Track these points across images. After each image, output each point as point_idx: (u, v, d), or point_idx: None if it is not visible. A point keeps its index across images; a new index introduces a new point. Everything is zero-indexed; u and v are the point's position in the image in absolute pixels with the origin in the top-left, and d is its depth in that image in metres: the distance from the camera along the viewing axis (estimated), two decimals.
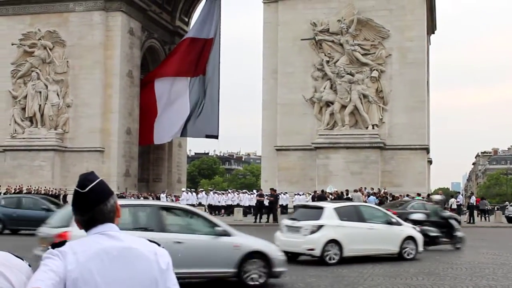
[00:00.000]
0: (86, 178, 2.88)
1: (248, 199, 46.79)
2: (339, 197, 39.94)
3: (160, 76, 55.42)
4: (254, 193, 46.31)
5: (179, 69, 54.45)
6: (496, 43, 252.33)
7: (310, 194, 42.67)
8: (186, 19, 68.14)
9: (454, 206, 43.80)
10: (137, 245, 2.81)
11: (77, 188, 2.85)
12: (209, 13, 55.48)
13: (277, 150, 49.80)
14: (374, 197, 39.97)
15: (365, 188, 43.66)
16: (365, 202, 37.15)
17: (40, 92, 53.80)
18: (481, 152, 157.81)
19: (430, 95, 60.23)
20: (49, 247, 2.78)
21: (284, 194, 44.77)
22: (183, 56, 54.54)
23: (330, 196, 40.56)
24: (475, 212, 46.26)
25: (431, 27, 60.13)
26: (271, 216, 38.14)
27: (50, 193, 48.89)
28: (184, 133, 56.62)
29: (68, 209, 13.29)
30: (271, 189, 40.30)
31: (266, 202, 40.21)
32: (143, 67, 59.68)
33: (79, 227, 2.91)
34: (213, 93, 55.70)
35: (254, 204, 42.79)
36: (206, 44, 54.85)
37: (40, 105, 53.81)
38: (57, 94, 53.68)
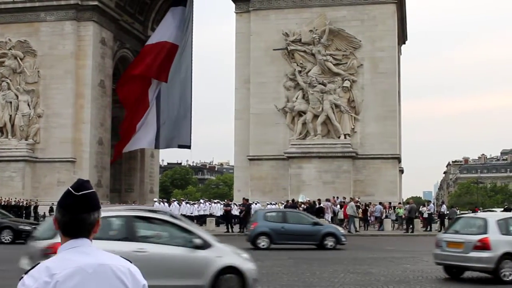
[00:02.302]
0: (83, 184, 2.90)
1: (220, 209, 46.71)
2: (311, 206, 40.06)
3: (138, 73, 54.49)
4: (223, 203, 46.40)
5: (150, 71, 54.20)
6: (466, 54, 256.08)
7: (283, 203, 42.73)
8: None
9: (426, 215, 44.17)
10: (111, 262, 2.80)
11: (71, 189, 2.87)
12: (180, 20, 55.31)
13: (250, 159, 49.82)
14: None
15: (337, 197, 43.87)
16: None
17: (11, 102, 53.28)
18: (452, 161, 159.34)
19: (402, 105, 60.79)
20: (24, 274, 2.77)
21: (256, 203, 44.76)
22: (153, 58, 54.28)
23: (302, 205, 40.67)
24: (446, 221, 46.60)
25: (402, 38, 60.75)
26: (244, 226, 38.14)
27: (21, 204, 48.40)
28: (156, 145, 56.47)
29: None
30: (244, 199, 40.34)
31: (235, 212, 40.23)
32: (115, 77, 59.39)
33: (56, 227, 2.90)
34: (186, 103, 55.60)
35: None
36: (171, 49, 54.61)
37: (10, 116, 53.27)
38: (28, 104, 53.19)
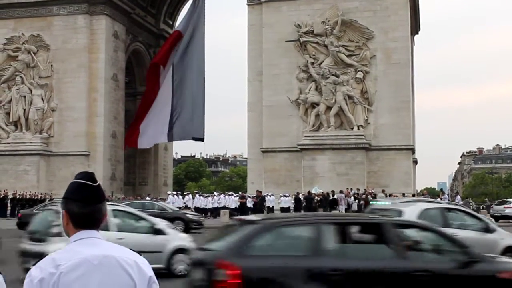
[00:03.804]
0: (91, 176, 2.99)
1: (235, 201, 46.73)
2: (325, 198, 40.03)
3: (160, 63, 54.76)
4: (238, 195, 46.43)
5: (160, 59, 54.47)
6: (480, 43, 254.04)
7: (295, 195, 42.72)
8: (171, 22, 67.99)
9: None
10: (117, 253, 2.80)
11: (86, 182, 2.94)
12: (192, 11, 55.29)
13: (263, 152, 49.80)
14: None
15: (351, 189, 43.78)
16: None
17: (25, 97, 53.51)
18: (467, 152, 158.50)
19: (415, 96, 60.52)
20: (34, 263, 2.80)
21: (270, 196, 44.79)
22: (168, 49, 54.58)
23: (316, 197, 40.65)
24: None
25: (415, 28, 60.41)
26: None
27: (35, 197, 48.68)
28: (170, 137, 56.47)
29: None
30: (257, 191, 40.35)
31: (249, 204, 40.22)
32: (127, 71, 59.53)
33: (66, 221, 2.92)
34: (199, 95, 55.58)
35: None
36: (177, 37, 54.76)
37: (24, 110, 53.52)
38: (42, 98, 53.42)
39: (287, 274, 8.06)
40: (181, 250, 15.32)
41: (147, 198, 48.52)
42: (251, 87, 51.53)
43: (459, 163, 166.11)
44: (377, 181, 47.23)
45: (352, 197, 42.42)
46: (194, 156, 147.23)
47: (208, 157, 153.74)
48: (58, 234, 13.02)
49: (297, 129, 49.31)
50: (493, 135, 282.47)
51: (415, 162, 56.44)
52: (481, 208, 54.75)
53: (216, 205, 48.16)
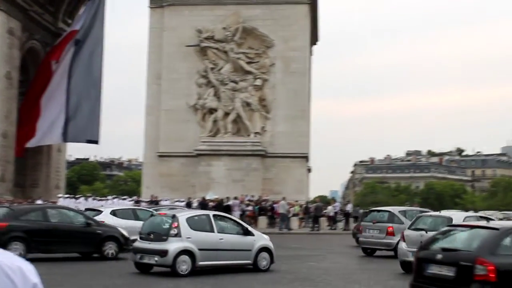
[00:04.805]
0: None
1: (128, 205, 46.03)
2: (219, 204, 40.09)
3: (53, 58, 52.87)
4: (133, 200, 45.78)
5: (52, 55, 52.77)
6: (377, 57, 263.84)
7: (190, 200, 42.56)
8: (70, 21, 66.21)
9: (331, 214, 44.95)
10: (0, 259, 2.71)
11: None
12: (89, 10, 53.97)
13: (159, 156, 49.43)
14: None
15: (246, 195, 44.10)
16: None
17: None
18: (359, 161, 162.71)
19: (312, 105, 61.77)
20: None
21: (165, 200, 44.40)
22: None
23: (211, 203, 40.65)
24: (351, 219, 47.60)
25: (314, 38, 61.67)
26: None
27: None
28: (64, 138, 54.88)
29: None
30: (152, 196, 39.96)
31: None
32: (23, 69, 57.56)
33: None
34: (95, 97, 54.39)
35: None
36: (72, 34, 53.30)
37: None
38: None
39: None
40: (264, 249, 17.68)
41: (39, 201, 47.00)
42: (149, 90, 51.07)
43: (351, 172, 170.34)
44: (271, 188, 47.79)
45: (247, 204, 42.70)
46: (88, 158, 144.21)
47: (102, 160, 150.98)
48: (177, 235, 16.07)
49: (194, 134, 49.23)
50: (384, 146, 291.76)
51: (309, 170, 57.49)
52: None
53: None
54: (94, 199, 50.68)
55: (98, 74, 54.67)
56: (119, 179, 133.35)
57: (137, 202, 41.86)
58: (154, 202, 38.90)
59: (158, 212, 19.46)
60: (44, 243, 19.23)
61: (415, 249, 16.03)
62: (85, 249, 20.72)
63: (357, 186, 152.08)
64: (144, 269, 16.85)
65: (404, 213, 23.95)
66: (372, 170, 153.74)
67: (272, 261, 17.73)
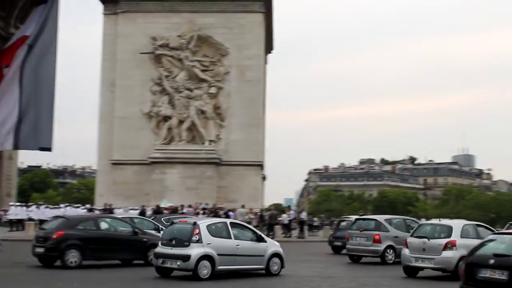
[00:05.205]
0: None
1: (81, 213, 45.43)
2: (173, 212, 39.90)
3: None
4: (86, 208, 45.20)
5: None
6: (329, 66, 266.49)
7: (144, 208, 42.22)
8: (22, 26, 65.46)
9: (286, 222, 45.05)
10: None
11: None
12: (40, 16, 53.36)
13: (113, 164, 49.02)
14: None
15: (200, 203, 43.97)
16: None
17: None
18: (313, 169, 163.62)
19: (267, 113, 62.00)
20: None
21: (118, 208, 43.99)
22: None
23: (165, 211, 40.42)
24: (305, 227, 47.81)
25: (269, 47, 61.99)
26: None
27: None
28: (15, 145, 53.98)
29: None
30: (105, 204, 39.59)
31: None
32: None
33: None
34: (48, 103, 53.60)
35: None
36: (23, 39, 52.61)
37: None
38: None
39: None
40: (276, 255, 18.87)
41: None
42: (103, 97, 50.65)
43: (306, 180, 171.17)
44: (226, 196, 47.79)
45: (201, 211, 42.57)
46: (40, 166, 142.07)
47: (55, 167, 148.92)
48: (198, 241, 17.03)
49: (149, 142, 48.97)
50: (338, 154, 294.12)
51: (264, 178, 57.67)
52: (322, 224, 56.74)
53: None
54: (46, 207, 49.79)
55: (51, 80, 53.46)
56: (72, 187, 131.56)
57: (90, 210, 41.37)
58: (108, 210, 38.49)
59: (179, 219, 20.18)
60: (97, 250, 20.22)
61: (417, 255, 19.03)
62: (132, 256, 21.56)
63: (311, 194, 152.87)
64: (164, 273, 17.78)
65: (389, 221, 25.18)
66: (326, 178, 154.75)
67: (282, 266, 18.99)
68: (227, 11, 50.65)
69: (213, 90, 49.57)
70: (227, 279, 17.46)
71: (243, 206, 41.90)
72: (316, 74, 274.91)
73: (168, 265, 17.37)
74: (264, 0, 51.59)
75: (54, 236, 19.70)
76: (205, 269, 17.00)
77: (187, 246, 17.08)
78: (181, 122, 48.98)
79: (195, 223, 17.64)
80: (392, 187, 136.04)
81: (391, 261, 23.68)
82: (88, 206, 47.01)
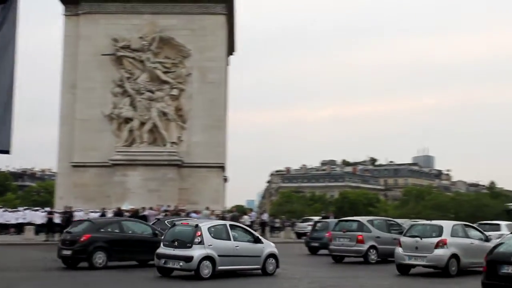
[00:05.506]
0: None
1: (41, 216, 44.97)
2: (135, 214, 39.74)
3: None
4: (45, 211, 44.73)
5: None
6: (290, 67, 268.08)
7: (106, 211, 41.96)
8: None
9: (247, 223, 45.22)
10: None
11: None
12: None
13: (74, 166, 48.60)
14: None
15: (162, 205, 43.86)
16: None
17: None
18: (275, 171, 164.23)
19: (230, 114, 62.08)
20: None
21: (78, 211, 43.61)
22: None
23: (126, 213, 40.23)
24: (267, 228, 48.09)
25: (231, 48, 62.10)
26: None
27: None
28: None
29: None
30: (66, 206, 39.23)
31: (57, 220, 39.01)
32: None
33: None
34: (6, 104, 53.01)
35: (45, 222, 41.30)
36: None
37: None
38: None
39: None
40: (271, 255, 19.87)
41: None
42: (64, 99, 50.20)
43: (267, 182, 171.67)
44: (188, 198, 47.74)
45: (162, 214, 42.45)
46: None
47: (14, 170, 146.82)
48: (200, 243, 17.90)
49: (110, 144, 48.67)
50: (299, 156, 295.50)
51: (226, 180, 57.74)
52: (284, 225, 57.08)
53: (21, 220, 46.02)
54: (5, 210, 49.21)
55: (9, 80, 53.15)
56: (31, 189, 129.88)
57: (50, 213, 40.97)
58: (68, 213, 38.17)
59: (180, 222, 21.02)
60: (121, 251, 21.59)
61: (410, 253, 20.41)
62: (152, 257, 21.78)
63: (273, 195, 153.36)
64: (165, 273, 18.76)
65: (371, 222, 26.40)
66: (288, 180, 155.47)
67: (277, 266, 20.08)
68: (189, 12, 50.62)
69: (175, 92, 49.50)
70: (227, 278, 18.42)
71: (207, 208, 41.96)
72: (278, 75, 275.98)
73: (170, 265, 18.27)
74: (227, 2, 51.68)
75: (82, 239, 21.00)
76: (206, 269, 17.90)
77: (190, 247, 17.94)
78: (142, 124, 48.80)
79: (197, 226, 18.56)
80: (353, 188, 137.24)
81: (373, 261, 24.79)
82: (48, 209, 46.52)
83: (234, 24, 58.16)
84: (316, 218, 47.23)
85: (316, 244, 31.16)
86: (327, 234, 29.69)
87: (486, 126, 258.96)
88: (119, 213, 38.99)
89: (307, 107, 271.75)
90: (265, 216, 48.62)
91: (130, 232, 22.37)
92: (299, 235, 48.02)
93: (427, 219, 27.96)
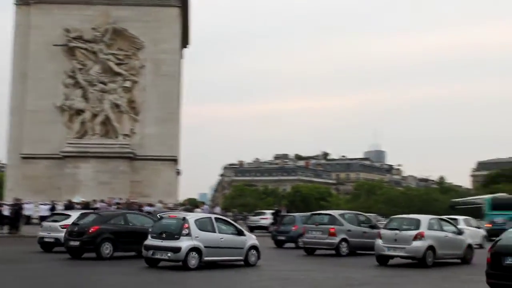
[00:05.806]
0: None
1: None
2: (86, 207, 39.39)
3: None
4: None
5: None
6: (245, 62, 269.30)
7: (56, 203, 41.46)
8: None
9: None
10: None
11: None
12: None
13: (23, 158, 47.93)
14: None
15: (114, 198, 43.56)
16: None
17: None
18: (228, 164, 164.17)
19: (184, 108, 61.87)
20: None
21: (28, 203, 42.97)
22: None
23: (77, 206, 39.84)
24: None
25: (185, 41, 61.88)
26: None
27: None
28: None
29: None
30: (15, 199, 38.62)
31: (5, 212, 38.40)
32: None
33: None
34: None
35: None
36: None
37: None
38: None
39: None
40: (253, 247, 20.49)
41: None
42: (14, 90, 49.48)
43: (220, 175, 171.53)
44: (141, 191, 47.58)
45: (114, 206, 42.18)
46: None
47: None
48: (188, 234, 18.55)
49: (61, 135, 48.13)
50: (252, 149, 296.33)
51: (179, 173, 57.61)
52: (237, 219, 57.22)
53: None
54: None
55: None
56: None
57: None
58: (17, 205, 37.57)
59: (168, 215, 21.79)
60: (126, 243, 22.41)
61: (390, 245, 21.37)
62: None
63: (226, 189, 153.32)
64: (152, 264, 19.29)
65: (343, 216, 27.05)
66: (241, 173, 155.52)
67: (259, 257, 20.71)
68: (143, 4, 50.33)
69: (127, 84, 49.19)
70: (212, 269, 19.16)
71: (160, 201, 41.86)
72: (232, 69, 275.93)
73: (158, 256, 18.89)
74: None
75: (91, 231, 21.89)
76: (193, 260, 18.59)
77: (177, 239, 18.63)
78: (94, 116, 48.39)
79: (184, 218, 19.25)
80: (305, 182, 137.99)
81: (344, 253, 25.51)
82: None
83: (188, 17, 57.97)
84: (269, 212, 47.48)
85: (283, 238, 31.61)
86: (293, 228, 30.42)
87: (437, 122, 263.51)
88: (69, 205, 38.58)
89: (260, 101, 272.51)
90: (218, 210, 48.58)
91: (134, 224, 23.16)
92: (252, 228, 48.17)
93: (379, 214, 28.67)
